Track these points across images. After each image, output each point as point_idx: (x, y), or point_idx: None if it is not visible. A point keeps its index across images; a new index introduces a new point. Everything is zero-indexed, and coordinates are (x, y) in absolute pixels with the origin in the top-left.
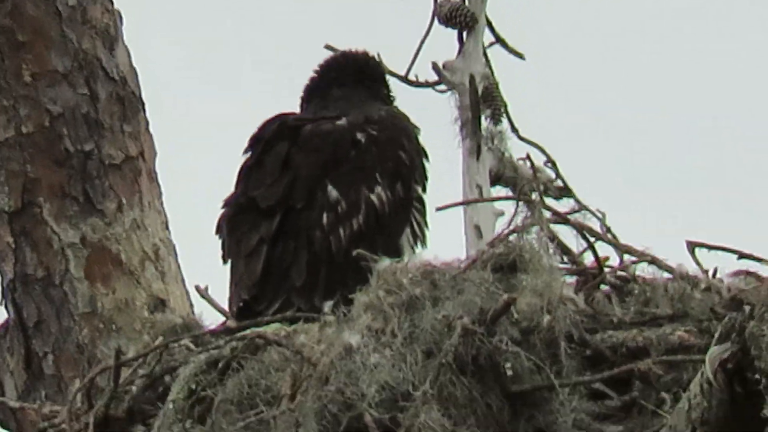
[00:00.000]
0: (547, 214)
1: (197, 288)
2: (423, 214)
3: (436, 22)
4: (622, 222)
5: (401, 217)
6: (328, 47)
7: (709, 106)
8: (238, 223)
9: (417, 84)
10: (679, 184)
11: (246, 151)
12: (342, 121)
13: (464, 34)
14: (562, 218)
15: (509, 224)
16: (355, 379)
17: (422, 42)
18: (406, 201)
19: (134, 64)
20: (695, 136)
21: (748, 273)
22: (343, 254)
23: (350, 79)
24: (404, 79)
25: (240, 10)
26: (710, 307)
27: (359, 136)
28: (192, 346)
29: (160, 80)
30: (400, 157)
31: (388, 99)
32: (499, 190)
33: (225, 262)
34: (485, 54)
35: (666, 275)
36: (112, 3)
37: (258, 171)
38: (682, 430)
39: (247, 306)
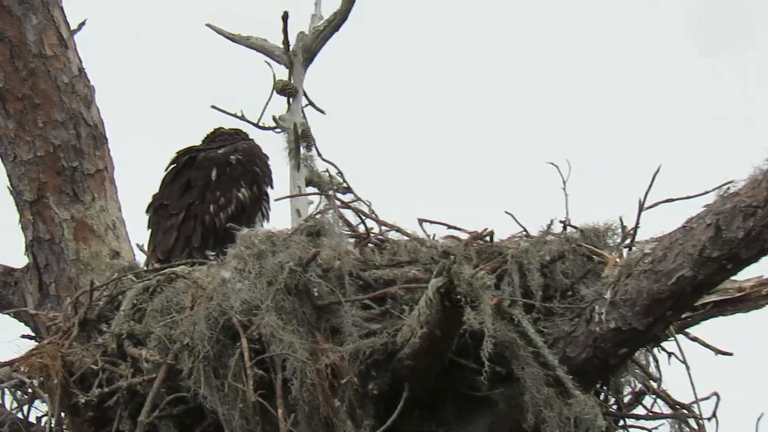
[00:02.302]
0: (338, 203)
1: (138, 245)
2: (268, 203)
3: (274, 92)
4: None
5: (256, 206)
6: (214, 107)
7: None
8: (159, 212)
9: (264, 128)
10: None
11: (167, 168)
12: (221, 150)
13: (290, 99)
14: (346, 205)
15: (316, 209)
16: (227, 297)
17: (266, 103)
18: (259, 196)
19: (101, 116)
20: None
21: (453, 237)
22: (222, 228)
23: (227, 134)
24: (256, 125)
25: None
26: (431, 256)
27: (231, 158)
28: (134, 278)
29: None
30: (255, 170)
31: (248, 139)
32: (311, 189)
33: (148, 229)
34: (303, 110)
35: (406, 238)
36: (89, 80)
37: (171, 186)
38: (414, 327)
39: (164, 260)
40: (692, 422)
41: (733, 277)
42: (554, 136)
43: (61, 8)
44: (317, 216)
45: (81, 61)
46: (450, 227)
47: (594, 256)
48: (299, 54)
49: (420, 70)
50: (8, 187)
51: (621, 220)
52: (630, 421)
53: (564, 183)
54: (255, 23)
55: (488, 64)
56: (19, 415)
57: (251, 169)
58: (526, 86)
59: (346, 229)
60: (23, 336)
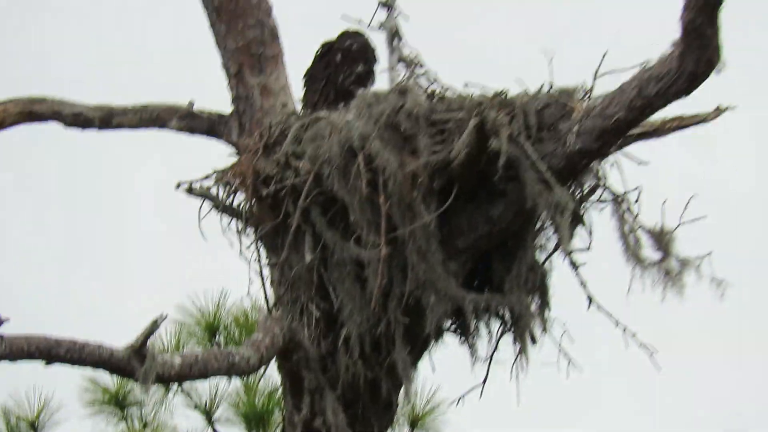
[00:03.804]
0: (417, 73)
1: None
2: (374, 76)
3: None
4: None
5: (369, 78)
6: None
7: None
8: (309, 80)
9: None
10: None
11: (316, 53)
12: (347, 43)
13: (389, 9)
14: (420, 75)
15: (403, 78)
16: (350, 130)
17: (374, 12)
18: (370, 71)
19: (276, 21)
20: None
21: (484, 94)
22: (348, 90)
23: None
24: (367, 26)
25: None
26: (471, 105)
27: (354, 47)
28: (296, 119)
29: None
30: (370, 56)
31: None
32: (400, 66)
33: (303, 88)
34: (395, 19)
35: (456, 95)
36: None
37: (317, 63)
38: (461, 148)
39: (313, 109)
40: (624, 205)
41: (649, 118)
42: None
43: None
44: (403, 82)
45: None
46: (483, 88)
47: (567, 105)
48: None
49: None
50: (222, 65)
51: (584, 84)
52: (587, 206)
53: (551, 61)
54: None
55: None
56: (227, 201)
57: (367, 58)
58: None
59: (421, 89)
60: (230, 155)
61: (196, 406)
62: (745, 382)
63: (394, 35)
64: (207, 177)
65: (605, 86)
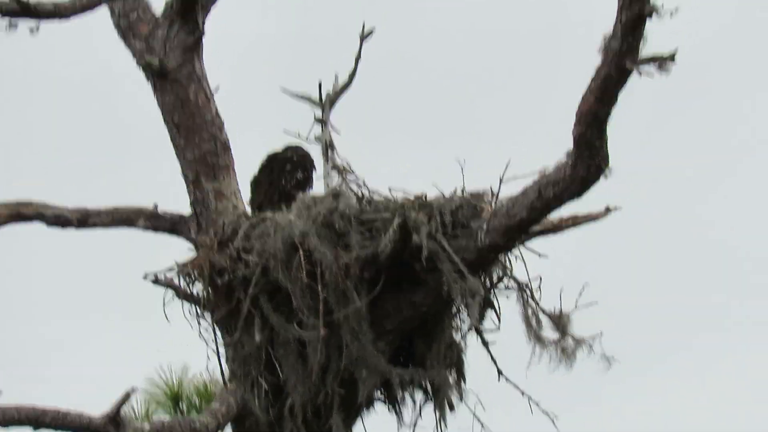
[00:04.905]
0: (348, 180)
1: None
2: (312, 184)
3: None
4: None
5: (307, 185)
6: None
7: None
8: (256, 187)
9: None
10: None
11: (260, 166)
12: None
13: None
14: (351, 181)
15: (337, 185)
16: (293, 228)
17: (310, 130)
18: (308, 179)
19: (227, 134)
20: None
21: (407, 197)
22: (290, 194)
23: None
24: (305, 139)
25: None
26: (395, 207)
27: (294, 158)
28: (245, 219)
29: None
30: (307, 167)
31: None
32: (334, 173)
33: (251, 194)
34: (330, 131)
35: (382, 198)
36: (220, 115)
37: (262, 171)
38: (386, 243)
39: (259, 210)
40: (527, 292)
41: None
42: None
43: (207, 80)
44: (337, 188)
45: (216, 107)
46: (405, 192)
47: (477, 206)
48: (327, 105)
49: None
50: (182, 173)
51: (491, 188)
52: (495, 292)
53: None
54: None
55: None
56: (188, 290)
57: (306, 167)
58: None
59: (352, 193)
60: (189, 249)
61: None
62: None
63: (328, 147)
64: (170, 269)
65: (509, 190)
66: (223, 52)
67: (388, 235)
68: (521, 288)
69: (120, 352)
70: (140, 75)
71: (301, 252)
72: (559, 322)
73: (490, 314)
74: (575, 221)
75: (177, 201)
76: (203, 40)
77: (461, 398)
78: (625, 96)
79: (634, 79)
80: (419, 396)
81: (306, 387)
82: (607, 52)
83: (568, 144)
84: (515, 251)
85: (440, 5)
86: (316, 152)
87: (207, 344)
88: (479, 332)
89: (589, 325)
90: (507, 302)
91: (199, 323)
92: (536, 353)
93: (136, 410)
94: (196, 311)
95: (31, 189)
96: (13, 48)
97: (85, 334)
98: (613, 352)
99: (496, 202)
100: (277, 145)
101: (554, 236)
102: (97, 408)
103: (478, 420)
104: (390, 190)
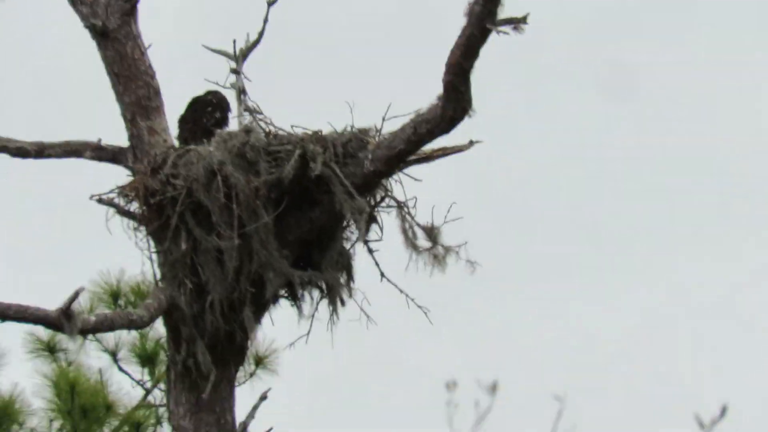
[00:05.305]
0: (257, 117)
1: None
2: (228, 122)
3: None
4: None
5: (225, 123)
6: (205, 46)
7: None
8: (182, 125)
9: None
10: None
11: (188, 103)
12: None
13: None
14: (260, 119)
15: (249, 122)
16: (212, 158)
17: (226, 79)
18: (224, 119)
19: (157, 79)
20: None
21: (307, 131)
22: (210, 130)
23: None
24: (222, 85)
25: None
26: (299, 140)
27: (213, 101)
28: (174, 150)
29: None
30: (225, 109)
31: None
32: (246, 115)
33: (178, 128)
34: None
35: (288, 132)
36: (152, 66)
37: (188, 111)
38: (288, 170)
39: (184, 143)
40: (405, 209)
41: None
42: None
43: (141, 39)
44: (248, 125)
45: (149, 60)
46: (304, 128)
47: (364, 140)
48: (240, 58)
49: None
50: (121, 113)
51: (375, 125)
52: (379, 210)
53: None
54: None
55: None
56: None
57: (223, 108)
58: None
59: (261, 130)
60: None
61: (105, 350)
62: None
63: (241, 92)
64: (112, 191)
65: (390, 126)
66: (157, 15)
67: (291, 163)
68: (400, 206)
69: (70, 261)
70: (86, 34)
71: (219, 177)
72: (431, 233)
73: (374, 228)
74: (444, 152)
75: (117, 137)
76: (137, 6)
77: (350, 295)
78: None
79: (492, 37)
80: (316, 294)
81: (223, 287)
82: (470, 15)
83: (439, 89)
84: (395, 177)
85: None
86: (231, 96)
87: (142, 252)
88: (365, 242)
89: (457, 236)
90: (388, 218)
91: (135, 236)
92: (413, 259)
93: (83, 306)
94: (133, 226)
95: None
96: None
97: (43, 246)
98: (478, 259)
99: (379, 137)
100: (200, 91)
101: (427, 164)
102: (52, 305)
103: (365, 313)
104: (292, 126)
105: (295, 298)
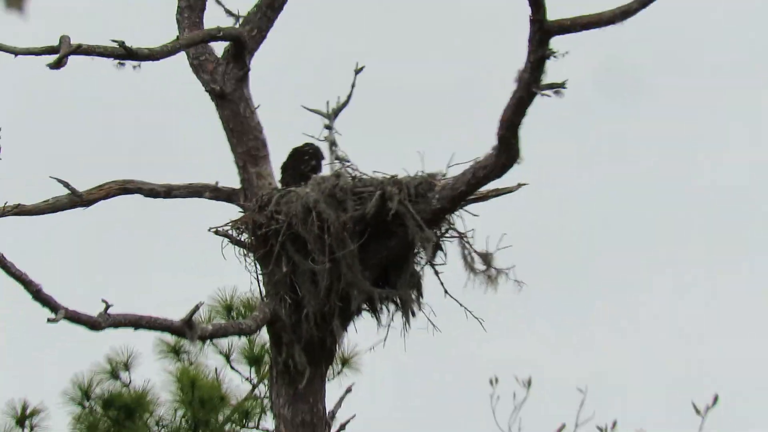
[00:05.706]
0: (345, 164)
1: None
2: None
3: None
4: None
5: (318, 171)
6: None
7: None
8: (284, 171)
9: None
10: None
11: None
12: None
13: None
14: (347, 165)
15: (336, 170)
16: (308, 197)
17: None
18: (318, 167)
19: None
20: None
21: (385, 175)
22: (307, 176)
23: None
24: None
25: None
26: (379, 183)
27: (311, 151)
28: (277, 191)
29: None
30: (320, 157)
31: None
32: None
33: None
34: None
35: (369, 176)
36: (260, 123)
37: (288, 160)
38: (371, 207)
39: (285, 186)
40: (464, 239)
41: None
42: None
43: (251, 100)
44: (338, 171)
45: (258, 117)
46: (383, 173)
47: (433, 182)
48: (332, 115)
49: None
50: (234, 161)
51: (441, 170)
52: (443, 239)
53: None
54: None
55: None
56: (238, 238)
57: (318, 157)
58: None
59: (348, 175)
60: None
61: (220, 353)
62: None
63: (332, 144)
64: (226, 225)
65: (453, 171)
66: (265, 83)
67: (372, 202)
68: (460, 236)
69: (193, 281)
70: (206, 97)
71: (314, 213)
72: (486, 258)
73: (439, 254)
74: (497, 192)
75: (231, 180)
76: (249, 73)
77: (420, 308)
78: (532, 109)
79: (537, 99)
80: (392, 307)
81: (316, 301)
82: (520, 81)
83: (494, 141)
84: (457, 212)
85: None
86: (324, 147)
87: (250, 274)
88: (432, 265)
89: (507, 261)
90: (451, 246)
91: (245, 261)
92: (471, 279)
93: (203, 317)
94: (243, 253)
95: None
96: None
97: (172, 269)
98: (524, 279)
99: (444, 180)
100: (298, 143)
101: (483, 202)
102: (177, 316)
103: (431, 323)
104: (374, 172)
105: (374, 311)
